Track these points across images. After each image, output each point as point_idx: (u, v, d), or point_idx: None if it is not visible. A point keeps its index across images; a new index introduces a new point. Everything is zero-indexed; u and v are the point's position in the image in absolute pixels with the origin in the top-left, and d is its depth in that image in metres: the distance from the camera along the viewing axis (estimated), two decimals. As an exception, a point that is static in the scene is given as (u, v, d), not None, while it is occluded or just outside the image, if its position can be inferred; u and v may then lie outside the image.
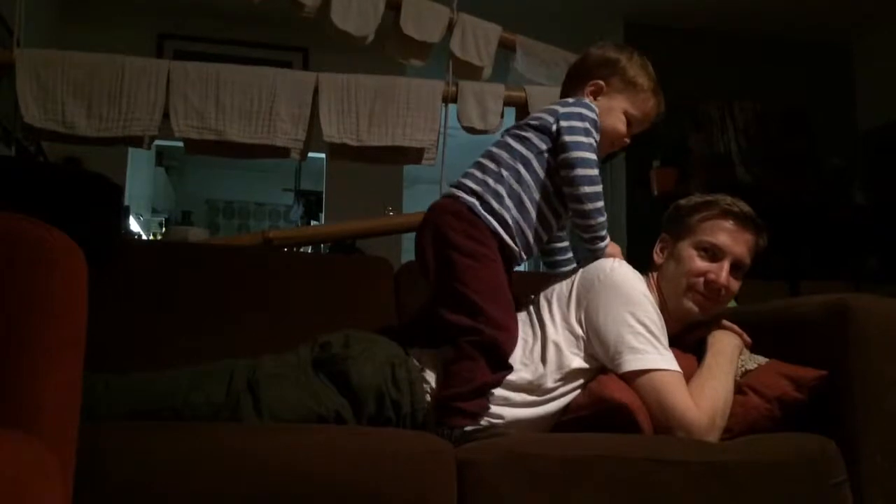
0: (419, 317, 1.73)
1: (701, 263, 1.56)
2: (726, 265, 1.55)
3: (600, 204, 1.48)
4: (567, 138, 1.47)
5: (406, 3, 2.57)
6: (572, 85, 1.62)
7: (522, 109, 2.64)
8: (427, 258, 1.48)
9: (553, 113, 1.52)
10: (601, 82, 1.57)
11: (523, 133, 1.53)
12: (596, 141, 1.50)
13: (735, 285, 1.58)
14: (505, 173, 1.49)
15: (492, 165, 1.51)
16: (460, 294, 1.40)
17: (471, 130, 2.61)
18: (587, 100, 1.56)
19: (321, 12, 2.50)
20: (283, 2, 2.49)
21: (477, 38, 2.65)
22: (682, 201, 1.67)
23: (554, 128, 1.50)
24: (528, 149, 1.51)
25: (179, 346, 1.63)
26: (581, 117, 1.49)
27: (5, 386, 0.80)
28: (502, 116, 2.63)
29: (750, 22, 4.63)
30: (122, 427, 1.17)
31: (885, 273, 4.07)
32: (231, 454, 1.08)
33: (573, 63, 1.68)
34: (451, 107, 2.59)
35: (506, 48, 2.73)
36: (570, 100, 1.56)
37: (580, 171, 1.45)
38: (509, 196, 1.48)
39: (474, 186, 1.49)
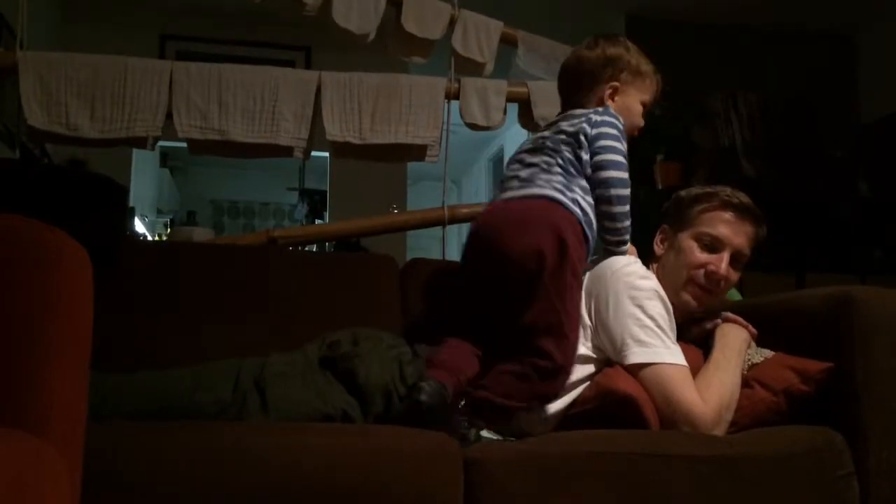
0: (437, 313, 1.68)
1: (701, 255, 1.57)
2: (726, 256, 1.56)
3: (628, 208, 1.49)
4: (603, 142, 1.48)
5: (407, 1, 2.56)
6: (581, 93, 1.59)
7: (525, 105, 2.64)
8: (546, 262, 1.35)
9: (588, 120, 1.51)
10: (616, 83, 1.56)
11: (574, 150, 1.49)
12: (625, 147, 1.50)
13: (734, 276, 1.59)
14: (579, 191, 1.46)
15: (564, 178, 1.47)
16: (555, 312, 1.36)
17: (473, 127, 2.61)
18: (610, 106, 1.54)
19: (323, 11, 2.49)
20: (284, 1, 2.49)
21: (479, 34, 2.64)
22: (682, 193, 1.68)
23: (591, 133, 1.49)
24: (581, 165, 1.48)
25: (183, 346, 1.63)
26: (613, 125, 1.50)
27: (11, 386, 0.80)
28: (505, 112, 2.62)
29: (753, 14, 4.62)
30: (129, 427, 1.17)
31: (890, 265, 4.06)
32: (237, 453, 1.08)
33: (569, 69, 1.63)
34: (454, 103, 2.58)
35: (508, 44, 2.73)
36: (601, 109, 1.53)
37: (613, 174, 1.47)
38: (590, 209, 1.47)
39: (570, 195, 1.44)
